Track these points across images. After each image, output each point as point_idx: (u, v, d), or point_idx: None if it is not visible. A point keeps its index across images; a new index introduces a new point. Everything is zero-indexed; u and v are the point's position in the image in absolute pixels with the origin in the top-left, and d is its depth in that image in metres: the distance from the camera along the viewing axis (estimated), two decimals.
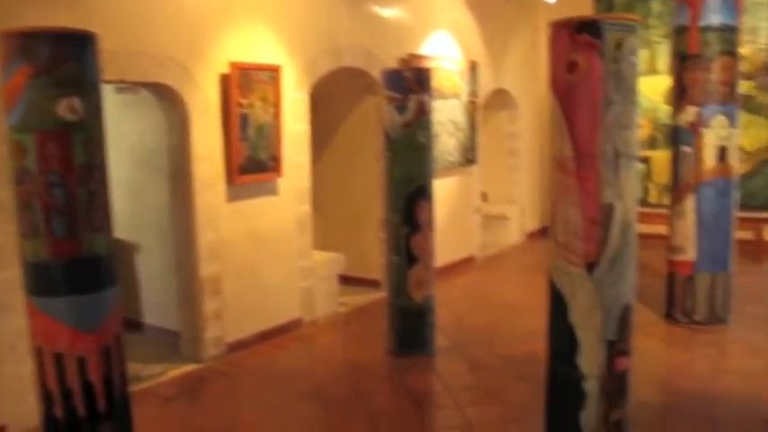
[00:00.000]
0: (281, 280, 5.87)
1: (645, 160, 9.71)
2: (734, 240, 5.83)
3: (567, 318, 3.04)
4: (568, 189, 2.96)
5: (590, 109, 2.88)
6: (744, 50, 9.12)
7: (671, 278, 5.91)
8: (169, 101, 5.03)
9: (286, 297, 5.94)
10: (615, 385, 3.09)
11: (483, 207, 8.86)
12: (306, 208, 6.10)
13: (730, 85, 5.62)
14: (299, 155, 5.95)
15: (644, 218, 8.55)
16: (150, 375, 5.00)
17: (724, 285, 5.76)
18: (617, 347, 3.05)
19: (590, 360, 3.03)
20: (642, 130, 9.76)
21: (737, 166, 5.73)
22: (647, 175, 9.74)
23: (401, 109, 5.02)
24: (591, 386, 3.05)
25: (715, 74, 5.58)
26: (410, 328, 5.23)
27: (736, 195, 5.78)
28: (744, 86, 9.15)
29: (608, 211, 2.92)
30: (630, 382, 3.17)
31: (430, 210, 5.20)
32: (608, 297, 2.96)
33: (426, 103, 5.10)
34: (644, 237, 8.62)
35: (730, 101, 5.63)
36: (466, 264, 8.14)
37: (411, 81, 5.02)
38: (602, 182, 2.90)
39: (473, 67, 8.08)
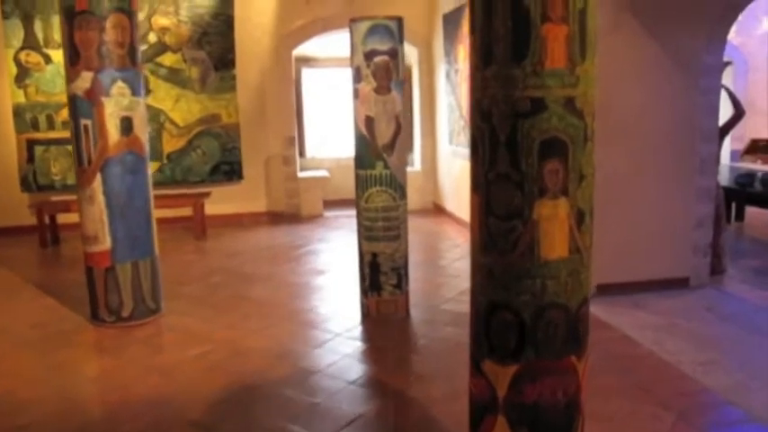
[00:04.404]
0: None
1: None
2: (155, 221, 5.26)
3: None
4: None
5: None
6: (166, 22, 8.82)
7: (90, 273, 5.05)
8: None
9: None
10: None
11: None
12: None
13: (128, 47, 4.94)
14: None
15: (68, 206, 7.57)
16: None
17: (151, 272, 5.15)
18: None
19: None
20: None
21: (145, 138, 5.11)
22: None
23: None
24: None
25: (109, 34, 4.83)
26: None
27: (148, 171, 5.19)
28: (171, 59, 8.86)
29: None
30: None
31: None
32: None
33: None
34: (72, 227, 7.63)
35: (130, 66, 4.96)
36: None
37: None
38: None
39: None
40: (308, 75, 10.19)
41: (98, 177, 4.88)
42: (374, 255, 4.82)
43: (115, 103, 4.87)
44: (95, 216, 4.92)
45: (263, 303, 5.58)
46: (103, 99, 4.84)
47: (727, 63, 5.66)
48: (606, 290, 5.40)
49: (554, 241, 1.96)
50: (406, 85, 10.09)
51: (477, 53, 2.00)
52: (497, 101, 1.93)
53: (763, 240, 7.92)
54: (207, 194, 8.49)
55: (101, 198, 4.90)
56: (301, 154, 10.06)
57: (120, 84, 4.89)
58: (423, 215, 9.24)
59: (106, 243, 4.93)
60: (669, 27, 5.19)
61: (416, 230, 8.19)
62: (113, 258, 4.95)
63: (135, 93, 4.99)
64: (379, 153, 4.67)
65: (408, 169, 10.06)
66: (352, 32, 4.71)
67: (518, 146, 1.91)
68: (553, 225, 1.95)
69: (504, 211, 1.96)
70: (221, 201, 8.84)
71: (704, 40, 5.27)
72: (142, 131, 5.07)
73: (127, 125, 4.93)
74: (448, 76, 8.64)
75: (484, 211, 2.02)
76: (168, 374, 4.22)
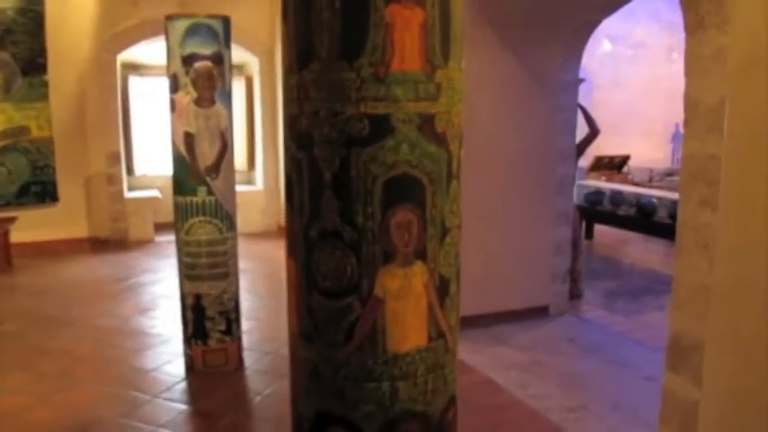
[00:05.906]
0: None
1: None
2: None
3: None
4: None
5: None
6: None
7: None
8: None
9: None
10: None
11: None
12: None
13: None
14: None
15: None
16: None
17: None
18: None
19: None
20: None
21: None
22: None
23: None
24: None
25: None
26: None
27: None
28: None
29: None
30: None
31: None
32: None
33: None
34: None
35: None
36: None
37: None
38: None
39: None
40: (136, 83, 9.12)
41: None
42: (198, 297, 4.02)
43: None
44: None
45: (65, 357, 4.59)
46: None
47: (581, 80, 5.38)
48: (464, 323, 4.90)
49: (406, 326, 1.34)
50: (246, 97, 9.34)
51: (292, 48, 1.34)
52: (320, 120, 1.28)
53: (613, 259, 7.88)
54: (12, 220, 7.25)
55: None
56: (129, 171, 8.95)
57: None
58: (266, 238, 8.49)
59: None
60: (527, 42, 4.82)
61: (257, 257, 7.44)
62: None
63: None
64: (201, 177, 3.89)
65: (250, 189, 9.39)
66: (167, 33, 3.92)
67: (351, 188, 1.27)
68: (405, 303, 1.32)
69: (334, 286, 1.31)
70: (31, 226, 7.60)
71: (562, 56, 4.96)
72: None
73: None
74: None
75: (304, 286, 1.35)
76: None
